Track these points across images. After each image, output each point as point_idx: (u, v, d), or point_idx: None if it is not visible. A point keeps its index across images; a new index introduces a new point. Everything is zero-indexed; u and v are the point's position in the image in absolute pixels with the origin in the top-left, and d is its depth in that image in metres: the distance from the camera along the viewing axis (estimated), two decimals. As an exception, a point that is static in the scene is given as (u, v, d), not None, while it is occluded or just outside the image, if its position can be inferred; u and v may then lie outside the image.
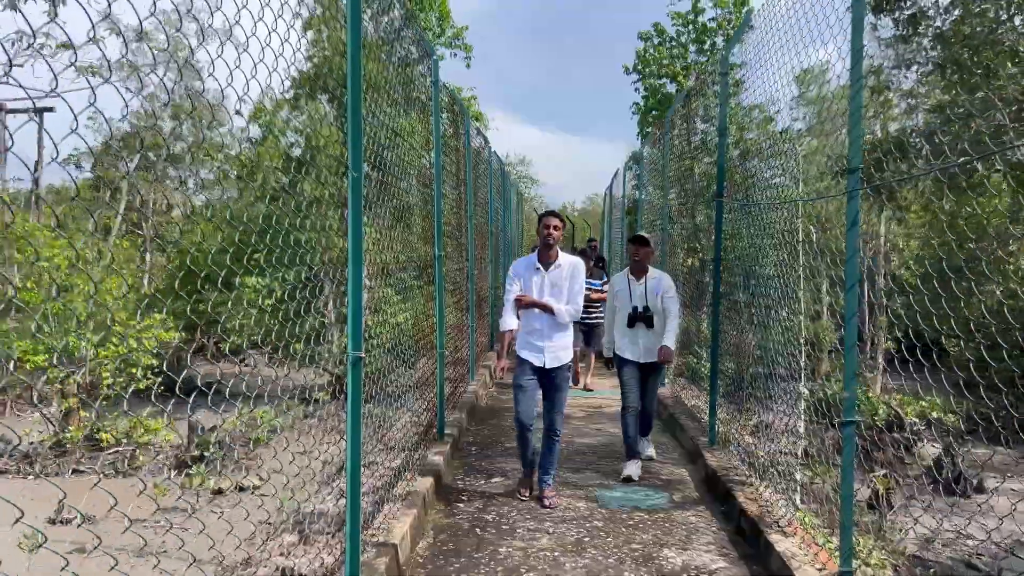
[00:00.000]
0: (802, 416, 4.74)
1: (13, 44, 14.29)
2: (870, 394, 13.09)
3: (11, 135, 22.48)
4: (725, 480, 5.66)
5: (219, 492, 9.22)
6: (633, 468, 6.26)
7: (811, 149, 6.88)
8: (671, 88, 18.88)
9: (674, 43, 19.09)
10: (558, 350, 5.48)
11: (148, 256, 17.67)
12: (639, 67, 19.55)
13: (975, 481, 10.36)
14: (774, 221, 5.14)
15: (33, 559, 7.00)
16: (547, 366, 5.45)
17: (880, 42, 7.22)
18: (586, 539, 4.88)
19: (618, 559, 4.56)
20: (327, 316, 12.90)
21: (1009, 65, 5.63)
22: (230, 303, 10.47)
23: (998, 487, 10.31)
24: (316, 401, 10.36)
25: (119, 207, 16.07)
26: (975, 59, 5.80)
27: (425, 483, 5.41)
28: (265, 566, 4.20)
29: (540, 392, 5.55)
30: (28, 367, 10.16)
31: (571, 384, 7.02)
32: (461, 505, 5.53)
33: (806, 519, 4.61)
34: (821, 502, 4.86)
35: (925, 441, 11.69)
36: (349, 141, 3.51)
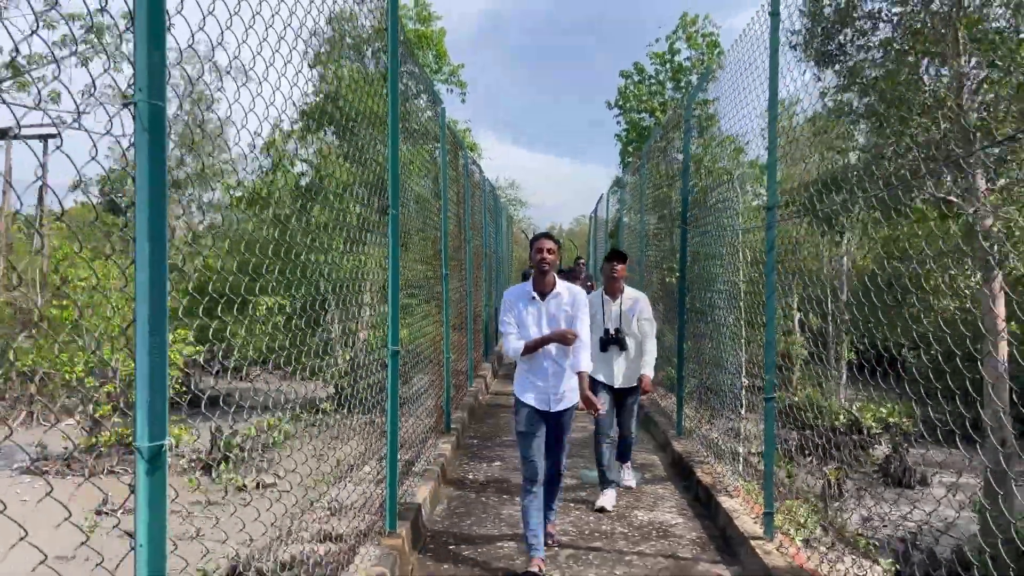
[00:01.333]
0: (743, 402, 5.87)
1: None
2: (833, 401, 14.24)
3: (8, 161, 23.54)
4: (688, 461, 6.77)
5: (242, 488, 10.25)
6: (608, 499, 5.94)
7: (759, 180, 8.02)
8: (650, 121, 20.29)
9: (652, 81, 20.57)
10: (567, 391, 4.80)
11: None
12: (620, 102, 21.04)
13: (918, 475, 11.53)
14: (721, 245, 6.33)
15: (91, 542, 8.01)
16: (553, 409, 4.77)
17: (822, 93, 8.42)
18: (572, 505, 5.99)
19: (597, 518, 5.68)
20: (332, 331, 13.96)
21: (918, 118, 6.82)
22: (246, 321, 11.49)
23: (932, 480, 11.47)
24: (323, 411, 11.42)
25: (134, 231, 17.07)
26: (893, 110, 7.00)
27: (438, 463, 6.50)
28: (307, 530, 5.22)
29: (542, 436, 4.82)
30: (67, 377, 11.17)
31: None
32: (468, 482, 6.62)
33: (747, 485, 5.73)
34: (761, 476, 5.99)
35: (882, 443, 12.83)
36: (389, 187, 4.65)
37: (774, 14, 4.78)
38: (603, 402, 5.77)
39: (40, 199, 23.59)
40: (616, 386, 6.01)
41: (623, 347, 5.96)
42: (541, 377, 4.78)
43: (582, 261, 15.94)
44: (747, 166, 7.43)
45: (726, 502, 5.52)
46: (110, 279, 12.91)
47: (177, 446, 11.60)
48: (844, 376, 15.99)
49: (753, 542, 4.69)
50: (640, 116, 20.20)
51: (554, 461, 4.94)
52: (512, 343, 4.82)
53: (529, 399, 4.80)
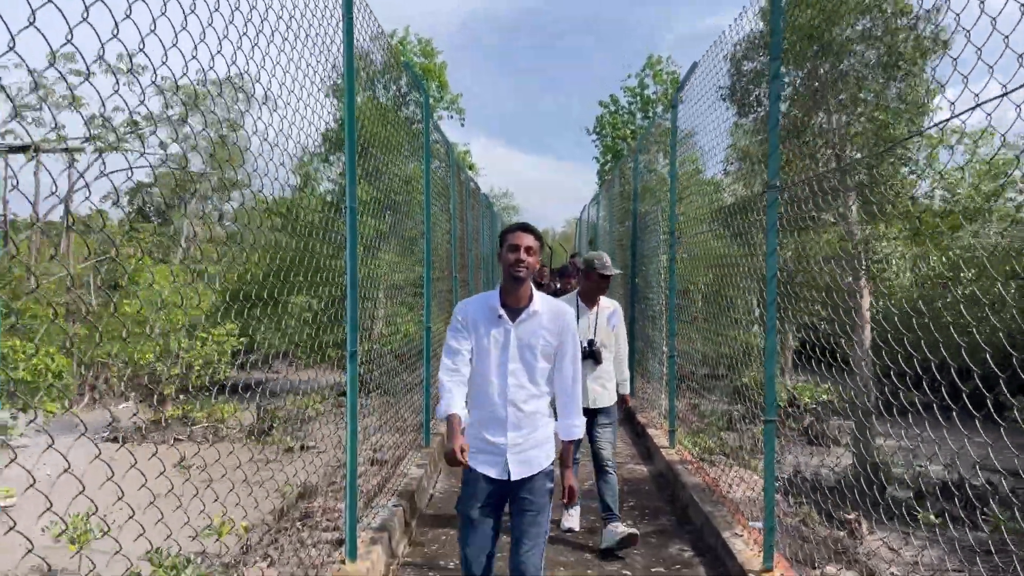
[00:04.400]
0: (665, 364, 8.34)
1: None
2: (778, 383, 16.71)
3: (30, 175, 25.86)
4: (643, 424, 9.25)
5: (289, 450, 12.67)
6: (574, 518, 5.60)
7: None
8: (623, 146, 23.06)
9: (625, 111, 23.39)
10: (529, 448, 3.33)
11: (204, 280, 21.11)
12: (598, 129, 23.92)
13: (832, 437, 14.16)
14: (656, 256, 8.82)
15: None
16: (512, 477, 3.29)
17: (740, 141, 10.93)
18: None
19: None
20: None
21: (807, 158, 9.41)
22: (279, 318, 13.89)
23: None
24: (344, 394, 13.86)
25: (180, 239, 19.61)
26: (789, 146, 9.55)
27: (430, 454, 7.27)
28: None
29: (497, 523, 3.35)
30: (138, 362, 13.60)
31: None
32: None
33: (663, 422, 8.23)
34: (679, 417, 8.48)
35: (808, 416, 15.53)
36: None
37: (673, 106, 7.27)
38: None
39: (67, 209, 25.97)
40: (591, 407, 5.26)
41: (598, 360, 5.31)
42: (494, 427, 3.30)
43: (576, 258, 14.74)
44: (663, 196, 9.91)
45: (652, 432, 8.02)
46: (163, 278, 15.35)
47: (225, 420, 14.03)
48: (790, 362, 18.56)
49: (663, 451, 7.19)
50: (615, 141, 22.98)
51: (517, 568, 3.26)
52: (444, 392, 3.22)
53: (478, 463, 3.31)
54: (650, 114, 22.16)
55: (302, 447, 12.84)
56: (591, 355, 5.28)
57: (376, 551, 4.59)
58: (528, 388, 3.31)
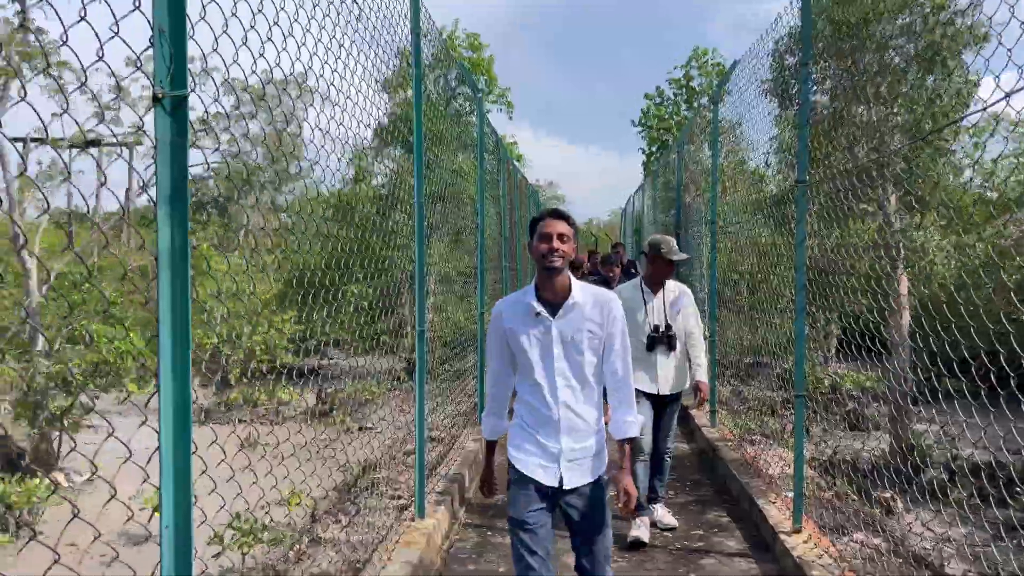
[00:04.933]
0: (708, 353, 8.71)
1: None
2: (819, 369, 17.08)
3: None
4: (685, 406, 9.63)
5: (348, 431, 13.35)
6: (642, 529, 5.15)
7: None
8: (668, 137, 23.38)
9: (671, 103, 23.70)
10: (585, 455, 3.09)
11: (264, 269, 22.00)
12: (643, 121, 24.26)
13: (874, 422, 14.39)
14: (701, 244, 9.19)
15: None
16: (565, 485, 3.06)
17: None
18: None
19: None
20: (404, 315, 17.05)
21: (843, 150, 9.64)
22: (337, 305, 14.57)
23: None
24: (399, 378, 14.50)
25: (242, 230, 20.52)
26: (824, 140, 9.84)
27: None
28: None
29: (552, 524, 3.13)
30: (205, 346, 14.41)
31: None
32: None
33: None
34: (723, 402, 8.87)
35: (850, 402, 15.73)
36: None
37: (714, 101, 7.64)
38: (643, 418, 4.94)
39: (127, 199, 27.14)
40: (661, 393, 5.24)
41: (672, 347, 5.24)
42: (547, 431, 3.07)
43: (620, 248, 14.38)
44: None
45: (693, 412, 8.45)
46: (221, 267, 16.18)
47: (286, 403, 14.79)
48: (833, 350, 18.72)
49: (703, 429, 7.62)
50: (660, 133, 23.32)
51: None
52: (490, 406, 3.26)
53: (527, 466, 3.09)
54: (695, 105, 22.44)
55: (360, 428, 13.52)
56: (665, 340, 5.22)
57: (441, 511, 5.14)
58: (578, 388, 3.05)
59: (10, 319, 11.96)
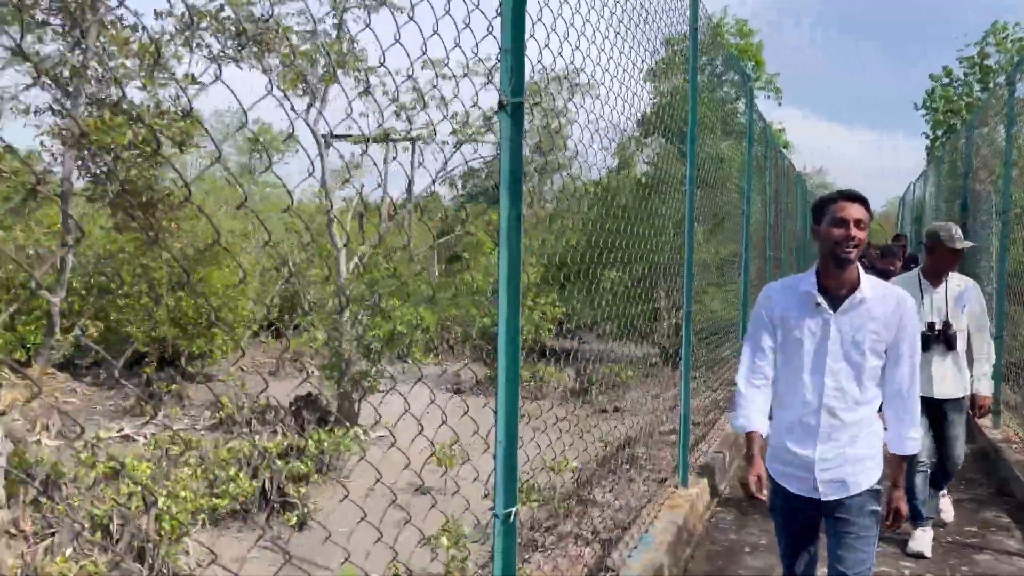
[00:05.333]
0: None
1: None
2: None
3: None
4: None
5: (603, 411, 13.93)
6: (923, 540, 4.72)
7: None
8: (956, 120, 21.21)
9: (960, 83, 21.43)
10: (844, 464, 2.78)
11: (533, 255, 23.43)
12: (928, 103, 22.19)
13: None
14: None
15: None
16: (823, 497, 2.80)
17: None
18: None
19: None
20: (660, 302, 17.30)
21: None
22: (594, 291, 15.18)
23: None
24: (654, 364, 14.78)
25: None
26: None
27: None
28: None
29: (816, 532, 2.98)
30: (477, 325, 15.69)
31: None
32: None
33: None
34: (1013, 407, 8.15)
35: None
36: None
37: None
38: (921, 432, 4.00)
39: (410, 190, 29.81)
40: (937, 397, 4.66)
41: (951, 346, 4.65)
42: (802, 436, 2.82)
43: (902, 240, 13.08)
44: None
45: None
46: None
47: (547, 381, 15.70)
48: None
49: (985, 430, 7.12)
50: (947, 116, 21.18)
51: None
52: (742, 400, 2.92)
53: (784, 477, 2.91)
54: (991, 86, 20.06)
55: (615, 408, 14.02)
56: (944, 339, 4.63)
57: (702, 484, 5.40)
58: (850, 392, 2.73)
59: (320, 293, 13.89)
